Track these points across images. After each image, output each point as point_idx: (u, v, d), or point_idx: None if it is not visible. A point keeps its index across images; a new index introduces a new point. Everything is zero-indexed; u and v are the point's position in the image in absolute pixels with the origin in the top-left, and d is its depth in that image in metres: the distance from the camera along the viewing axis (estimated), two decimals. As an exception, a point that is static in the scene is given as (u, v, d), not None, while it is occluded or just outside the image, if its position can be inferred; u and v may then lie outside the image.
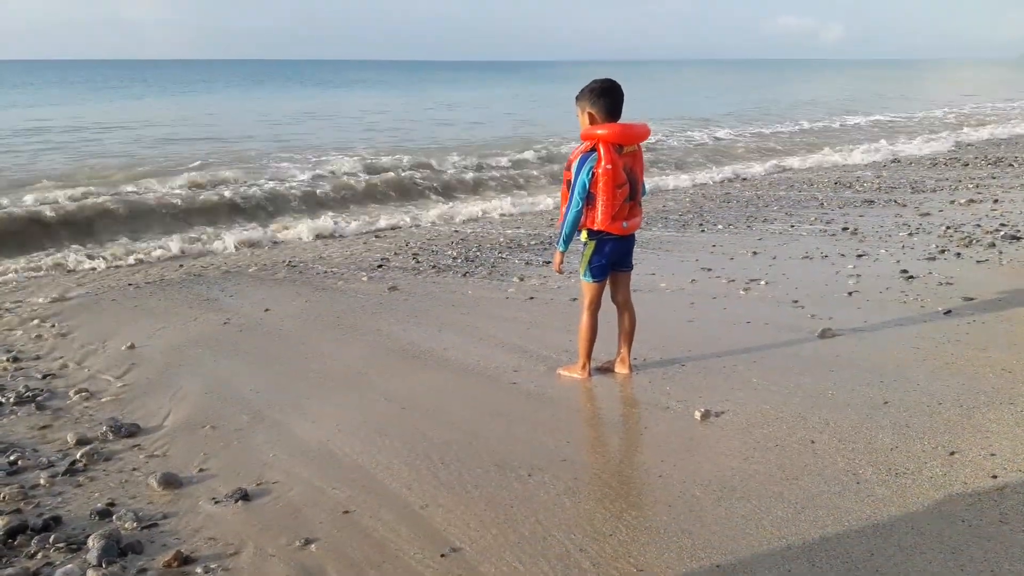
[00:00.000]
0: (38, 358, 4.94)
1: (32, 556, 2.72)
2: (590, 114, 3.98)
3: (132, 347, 5.03)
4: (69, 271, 7.59)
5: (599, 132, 3.90)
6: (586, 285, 4.20)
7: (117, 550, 2.71)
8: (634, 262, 4.33)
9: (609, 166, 3.86)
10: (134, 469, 3.38)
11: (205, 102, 34.53)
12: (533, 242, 8.33)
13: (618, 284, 4.30)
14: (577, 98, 4.05)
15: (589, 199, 3.94)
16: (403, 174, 12.94)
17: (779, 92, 44.11)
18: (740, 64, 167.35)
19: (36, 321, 5.73)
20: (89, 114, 27.07)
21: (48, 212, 9.58)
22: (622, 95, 4.01)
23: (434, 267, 7.24)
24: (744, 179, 13.24)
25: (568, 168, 4.02)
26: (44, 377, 4.57)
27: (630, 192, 4.00)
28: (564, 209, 4.03)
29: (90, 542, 2.72)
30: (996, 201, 9.52)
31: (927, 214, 8.91)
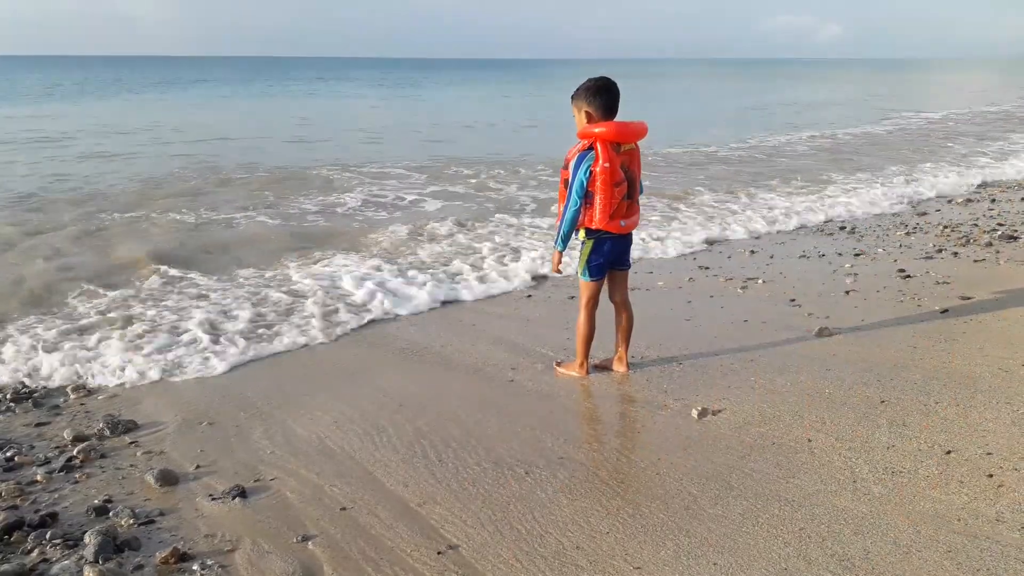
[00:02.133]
0: (35, 354, 4.92)
1: (28, 552, 2.72)
2: (587, 113, 3.95)
3: (129, 344, 5.02)
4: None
5: (596, 130, 3.87)
6: (584, 284, 4.19)
7: (114, 547, 2.71)
8: (632, 260, 4.33)
9: (607, 164, 3.84)
10: (131, 466, 3.38)
11: (218, 104, 33.93)
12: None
13: (615, 283, 4.29)
14: (573, 97, 4.03)
15: (587, 197, 3.93)
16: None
17: (807, 93, 42.20)
18: (738, 64, 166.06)
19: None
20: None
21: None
22: (618, 93, 3.99)
23: (432, 265, 7.24)
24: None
25: (565, 167, 4.00)
26: (41, 373, 4.56)
27: (628, 191, 3.99)
28: (562, 208, 4.01)
29: (87, 538, 2.72)
30: (993, 201, 9.55)
31: (924, 213, 8.93)
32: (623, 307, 4.34)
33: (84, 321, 5.35)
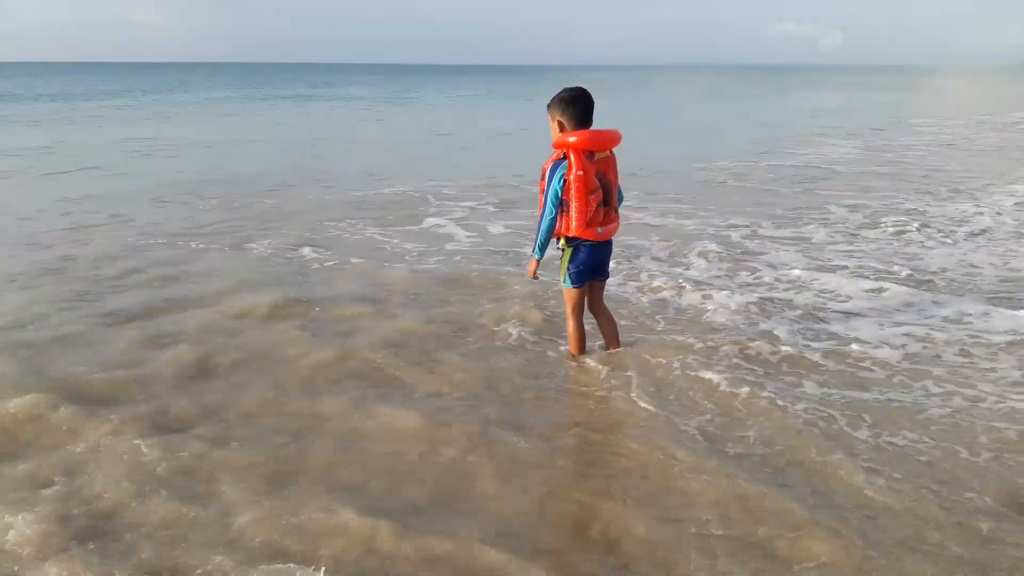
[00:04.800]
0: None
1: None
2: (560, 122, 3.98)
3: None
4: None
5: (569, 140, 3.90)
6: (567, 291, 4.25)
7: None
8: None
9: (580, 172, 3.85)
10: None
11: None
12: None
13: (593, 293, 4.36)
14: (548, 107, 4.04)
15: (563, 206, 3.95)
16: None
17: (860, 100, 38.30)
18: (744, 70, 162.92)
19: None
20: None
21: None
22: (592, 102, 4.01)
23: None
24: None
25: (543, 178, 4.02)
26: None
27: (604, 198, 4.00)
28: (539, 217, 4.03)
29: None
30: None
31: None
32: (602, 315, 4.46)
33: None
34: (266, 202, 9.89)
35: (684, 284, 5.94)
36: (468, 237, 7.91)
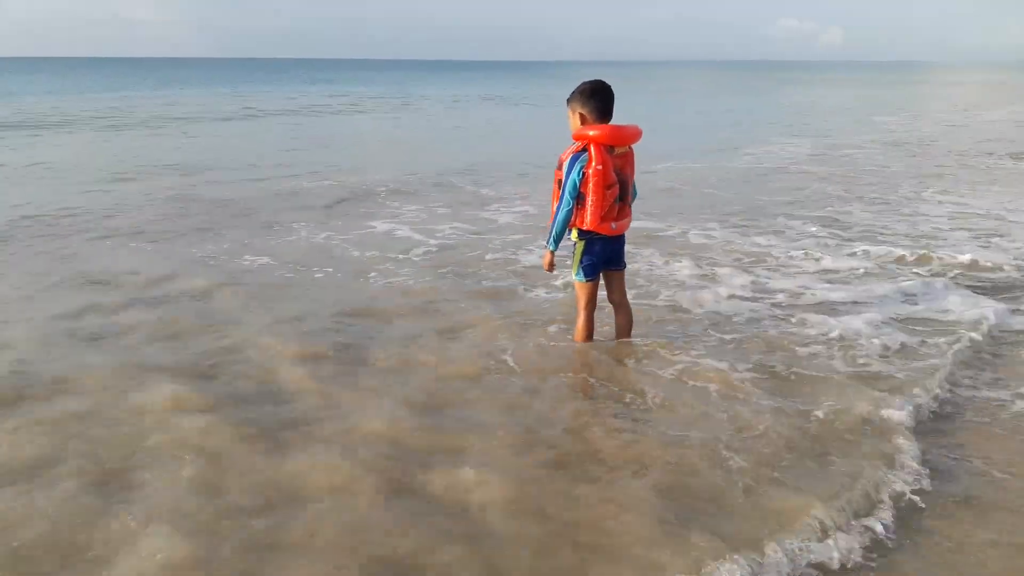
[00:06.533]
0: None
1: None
2: (581, 115, 3.95)
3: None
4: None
5: (590, 133, 3.87)
6: (579, 284, 4.23)
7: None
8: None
9: (600, 166, 3.83)
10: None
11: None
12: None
13: (612, 283, 4.34)
14: (568, 100, 4.01)
15: (579, 199, 3.92)
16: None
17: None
18: (744, 66, 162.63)
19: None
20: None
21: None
22: (612, 95, 3.98)
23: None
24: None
25: (559, 167, 3.99)
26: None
27: (620, 193, 3.99)
28: (554, 208, 4.01)
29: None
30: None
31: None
32: (621, 308, 4.42)
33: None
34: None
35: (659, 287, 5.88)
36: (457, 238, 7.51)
